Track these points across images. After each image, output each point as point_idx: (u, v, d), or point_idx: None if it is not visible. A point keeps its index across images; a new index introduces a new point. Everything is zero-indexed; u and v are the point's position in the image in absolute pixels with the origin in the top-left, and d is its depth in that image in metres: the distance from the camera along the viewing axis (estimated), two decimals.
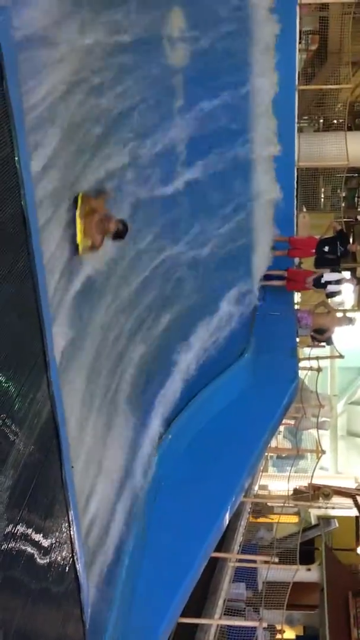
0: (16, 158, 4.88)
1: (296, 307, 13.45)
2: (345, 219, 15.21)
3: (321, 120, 15.44)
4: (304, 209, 14.53)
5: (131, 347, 8.01)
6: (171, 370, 9.20)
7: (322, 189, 15.62)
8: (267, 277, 12.21)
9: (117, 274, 7.57)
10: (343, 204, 16.01)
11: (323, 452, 15.40)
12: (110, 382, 7.36)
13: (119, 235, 6.73)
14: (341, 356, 14.22)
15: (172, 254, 9.27)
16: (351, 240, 15.50)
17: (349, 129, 14.62)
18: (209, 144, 9.89)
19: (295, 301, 13.76)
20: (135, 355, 8.06)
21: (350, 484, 20.60)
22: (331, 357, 15.68)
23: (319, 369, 14.68)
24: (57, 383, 5.61)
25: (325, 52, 14.55)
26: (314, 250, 11.97)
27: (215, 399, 9.92)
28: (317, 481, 16.62)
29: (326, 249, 11.84)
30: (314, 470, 15.05)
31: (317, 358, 14.44)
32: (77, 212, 6.18)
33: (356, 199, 17.64)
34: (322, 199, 15.88)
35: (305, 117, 15.60)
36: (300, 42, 13.90)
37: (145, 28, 7.84)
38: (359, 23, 13.96)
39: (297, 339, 12.44)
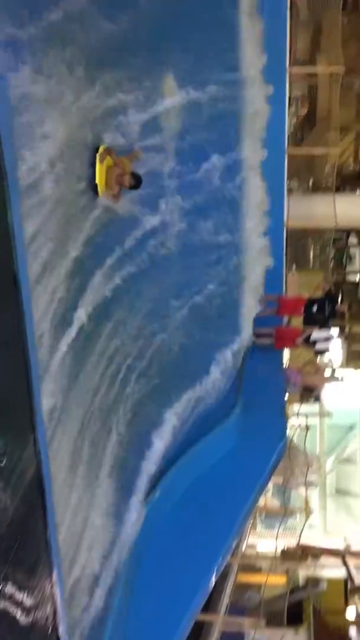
0: (9, 219, 5.00)
1: (285, 364, 13.49)
2: (334, 279, 15.42)
3: (310, 182, 15.76)
4: (294, 268, 14.73)
5: (118, 406, 8.01)
6: (159, 429, 9.18)
7: (311, 248, 15.86)
8: (255, 335, 12.27)
9: (105, 332, 7.64)
10: (332, 263, 16.24)
11: (311, 511, 15.25)
12: (97, 441, 7.35)
13: (134, 187, 7.92)
14: (329, 414, 14.24)
15: (159, 310, 9.36)
16: (339, 299, 15.71)
17: (337, 190, 14.91)
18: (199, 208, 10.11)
19: (284, 359, 13.81)
20: (122, 415, 8.06)
21: (339, 544, 20.32)
22: (320, 415, 15.69)
23: (307, 428, 14.66)
24: (44, 442, 5.62)
25: (314, 117, 14.94)
26: (302, 310, 12.08)
27: (203, 457, 9.86)
28: (305, 540, 16.41)
29: (315, 309, 11.94)
30: (302, 530, 14.89)
31: (306, 415, 14.44)
32: (97, 157, 7.25)
33: (344, 258, 17.89)
34: (311, 258, 16.10)
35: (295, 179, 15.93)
36: (290, 107, 14.28)
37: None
38: (346, 90, 14.40)
39: (286, 397, 12.45)
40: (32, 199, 5.86)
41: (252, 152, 11.13)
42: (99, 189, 7.38)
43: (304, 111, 15.99)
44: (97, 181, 7.30)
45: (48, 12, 6.20)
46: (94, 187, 7.32)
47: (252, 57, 10.82)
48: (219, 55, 10.02)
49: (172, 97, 9.14)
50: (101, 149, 7.35)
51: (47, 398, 5.81)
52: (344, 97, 14.29)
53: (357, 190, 16.64)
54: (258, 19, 11.01)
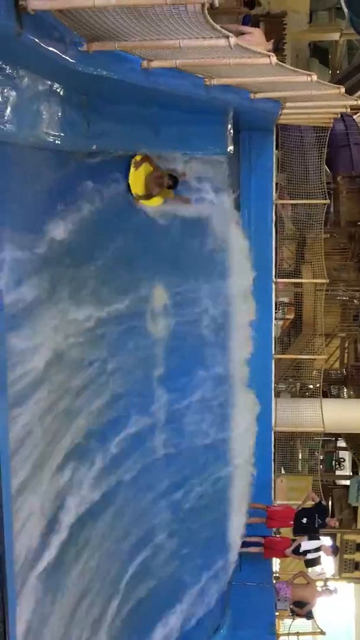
0: None
1: (275, 575, 12.90)
2: (324, 483, 15.15)
3: (297, 386, 15.97)
4: (282, 471, 14.51)
5: (103, 628, 7.52)
6: None
7: (300, 452, 15.71)
8: (244, 544, 11.85)
9: (84, 553, 7.31)
10: (321, 467, 16.02)
11: None
12: None
13: (172, 186, 8.95)
14: (322, 632, 13.33)
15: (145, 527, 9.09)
16: (330, 506, 15.37)
17: (325, 395, 15.08)
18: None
19: (274, 569, 13.23)
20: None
21: None
22: (312, 633, 14.67)
23: None
24: None
25: (301, 323, 15.46)
26: (292, 522, 11.79)
27: None
28: None
29: (304, 520, 11.70)
30: None
31: (298, 634, 13.51)
32: (132, 163, 8.33)
33: (333, 462, 17.69)
34: (300, 462, 15.91)
35: (282, 383, 16.17)
36: (276, 312, 14.82)
37: None
38: (330, 299, 15.03)
39: (276, 613, 11.77)
40: (20, 407, 5.88)
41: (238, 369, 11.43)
42: (134, 193, 8.41)
43: (291, 315, 16.58)
44: (130, 185, 8.36)
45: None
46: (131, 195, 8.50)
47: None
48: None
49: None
50: (138, 157, 8.34)
51: (21, 622, 5.45)
52: (329, 305, 14.91)
53: (344, 394, 16.86)
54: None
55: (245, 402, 11.67)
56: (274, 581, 12.29)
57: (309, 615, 12.24)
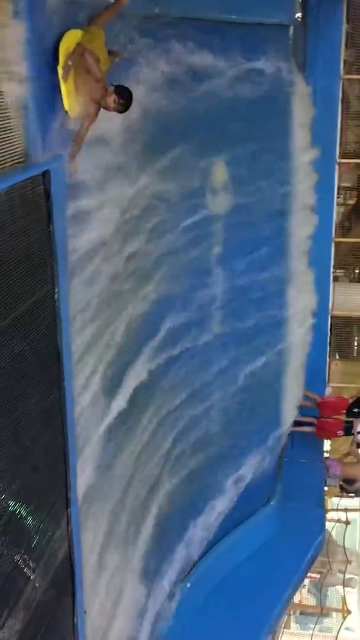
0: (56, 296, 5.07)
1: (325, 455, 13.18)
2: None
3: (357, 271, 15.73)
4: (337, 357, 14.55)
5: (155, 492, 7.86)
6: (194, 517, 8.97)
7: (356, 338, 15.68)
8: (296, 423, 12.09)
9: (145, 413, 7.57)
10: None
11: (349, 611, 14.54)
12: (131, 526, 7.18)
13: (122, 110, 5.59)
14: None
15: (200, 397, 9.29)
16: None
17: None
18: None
19: (325, 449, 13.50)
20: (158, 501, 7.90)
21: None
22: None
23: (347, 522, 14.14)
24: (77, 523, 5.50)
25: None
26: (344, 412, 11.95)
27: (238, 548, 9.59)
28: None
29: (357, 410, 11.82)
30: (338, 631, 14.14)
31: (346, 510, 13.95)
32: (59, 71, 5.06)
33: None
34: (355, 347, 15.90)
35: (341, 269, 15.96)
36: (338, 197, 14.44)
37: None
38: None
39: (325, 488, 12.12)
40: (79, 277, 5.94)
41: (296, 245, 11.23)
42: (67, 109, 5.19)
43: (352, 200, 16.16)
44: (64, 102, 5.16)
45: None
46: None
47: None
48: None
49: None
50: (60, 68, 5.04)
51: (82, 477, 5.72)
52: None
53: None
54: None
55: (303, 283, 11.55)
56: (325, 459, 12.60)
57: (358, 493, 12.57)
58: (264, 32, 9.23)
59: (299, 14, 9.36)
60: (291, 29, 9.73)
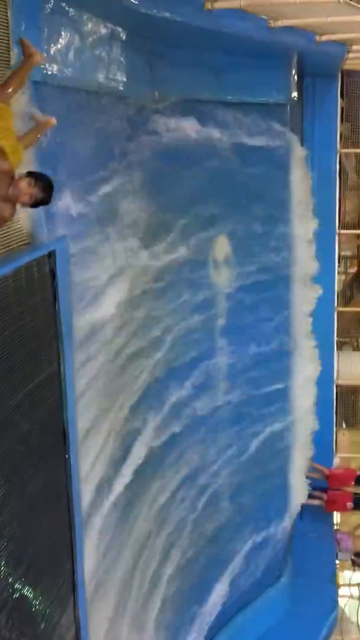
0: (62, 375, 5.08)
1: (335, 528, 12.93)
2: None
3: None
4: (344, 426, 14.44)
5: (164, 570, 7.69)
6: (206, 594, 8.74)
7: None
8: (307, 496, 11.91)
9: (151, 489, 7.47)
10: None
11: None
12: (137, 609, 6.99)
13: (40, 203, 4.23)
14: None
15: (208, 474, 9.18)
16: None
17: None
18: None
19: (335, 522, 13.26)
20: (167, 579, 7.71)
21: None
22: None
23: None
24: (84, 606, 5.37)
25: None
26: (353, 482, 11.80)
27: (250, 626, 9.33)
28: None
29: None
30: None
31: (359, 585, 13.57)
32: None
33: None
34: None
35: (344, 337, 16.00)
36: (339, 266, 14.61)
37: None
38: None
39: (337, 563, 11.85)
40: (84, 353, 5.96)
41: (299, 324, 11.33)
42: None
43: (353, 269, 16.35)
44: None
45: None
46: None
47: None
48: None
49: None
50: None
51: (89, 557, 5.61)
52: None
53: None
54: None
55: (306, 352, 11.56)
56: (335, 532, 12.36)
57: None
58: (262, 109, 9.52)
59: (294, 94, 9.64)
60: (288, 107, 10.00)
